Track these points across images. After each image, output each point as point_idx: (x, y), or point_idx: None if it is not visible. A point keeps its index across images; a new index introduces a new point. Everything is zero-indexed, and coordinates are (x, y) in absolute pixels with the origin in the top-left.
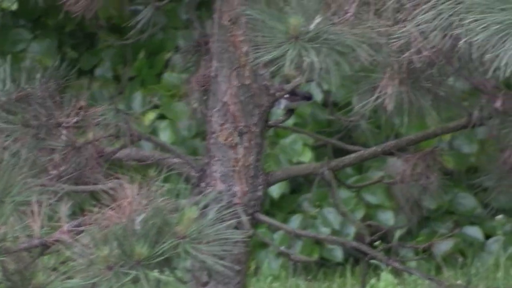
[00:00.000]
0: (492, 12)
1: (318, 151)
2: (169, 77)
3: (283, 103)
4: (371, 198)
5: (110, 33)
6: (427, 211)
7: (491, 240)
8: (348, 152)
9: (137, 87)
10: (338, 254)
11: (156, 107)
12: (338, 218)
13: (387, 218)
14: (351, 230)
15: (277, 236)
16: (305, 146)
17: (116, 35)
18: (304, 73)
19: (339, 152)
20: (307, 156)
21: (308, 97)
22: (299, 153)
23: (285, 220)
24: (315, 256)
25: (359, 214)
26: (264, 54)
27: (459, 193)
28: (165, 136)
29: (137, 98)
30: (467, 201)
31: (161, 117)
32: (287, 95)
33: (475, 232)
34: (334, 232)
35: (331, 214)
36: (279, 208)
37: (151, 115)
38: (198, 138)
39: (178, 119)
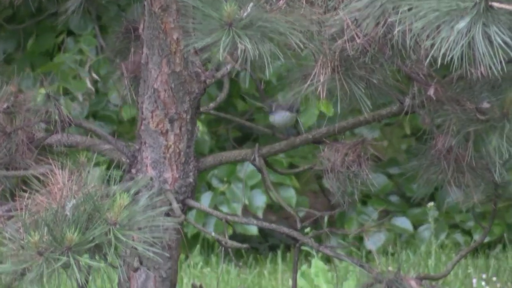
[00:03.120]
0: (427, 0)
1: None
2: (62, 58)
3: (276, 118)
4: (273, 177)
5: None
6: (359, 200)
7: (421, 228)
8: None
9: (27, 70)
10: (253, 229)
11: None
12: (248, 193)
13: (290, 195)
14: (261, 202)
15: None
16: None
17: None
18: (238, 60)
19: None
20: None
21: (291, 109)
22: None
23: (196, 199)
24: (230, 232)
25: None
26: (196, 41)
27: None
28: None
29: (28, 80)
30: (397, 189)
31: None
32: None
33: (404, 222)
34: (245, 207)
35: (239, 189)
36: None
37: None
38: (90, 119)
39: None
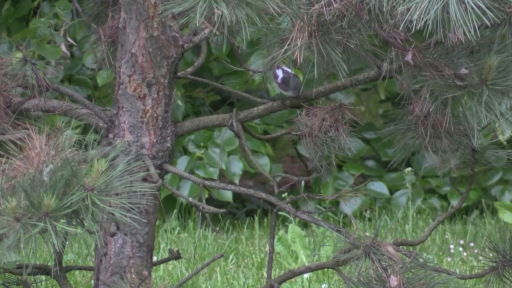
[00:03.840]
0: None
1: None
2: (37, 23)
3: (279, 77)
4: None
5: None
6: (336, 165)
7: (397, 193)
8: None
9: (3, 35)
10: (227, 194)
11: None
12: (224, 157)
13: (264, 163)
14: (238, 169)
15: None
16: None
17: None
18: (215, 25)
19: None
20: None
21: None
22: None
23: (172, 163)
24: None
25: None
26: (173, 6)
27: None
28: None
29: (4, 45)
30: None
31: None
32: (281, 71)
33: (380, 187)
34: (222, 173)
35: (216, 154)
36: None
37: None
38: (65, 83)
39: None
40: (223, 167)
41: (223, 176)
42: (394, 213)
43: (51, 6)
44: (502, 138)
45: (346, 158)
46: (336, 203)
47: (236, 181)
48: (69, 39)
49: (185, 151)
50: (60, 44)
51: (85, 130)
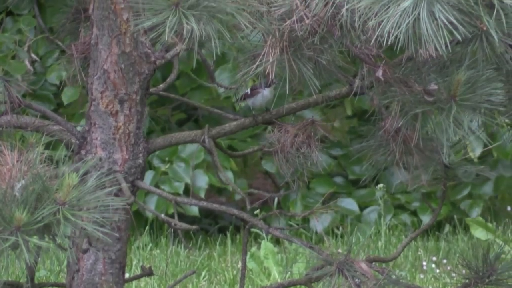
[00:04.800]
0: None
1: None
2: (1, 38)
3: (251, 102)
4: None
5: None
6: (308, 181)
7: (367, 210)
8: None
9: None
10: (194, 209)
11: None
12: (189, 172)
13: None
14: (204, 183)
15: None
16: None
17: None
18: (184, 40)
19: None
20: None
21: (267, 85)
22: None
23: None
24: (171, 211)
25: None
26: (144, 21)
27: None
28: None
29: None
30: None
31: None
32: (249, 93)
33: (350, 203)
34: (187, 186)
35: (181, 168)
36: None
37: None
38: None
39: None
40: (188, 181)
41: (189, 190)
42: (364, 230)
43: (14, 22)
44: (472, 155)
45: (314, 174)
46: (306, 220)
47: (202, 195)
48: (32, 55)
49: (150, 166)
50: (24, 59)
51: (56, 146)
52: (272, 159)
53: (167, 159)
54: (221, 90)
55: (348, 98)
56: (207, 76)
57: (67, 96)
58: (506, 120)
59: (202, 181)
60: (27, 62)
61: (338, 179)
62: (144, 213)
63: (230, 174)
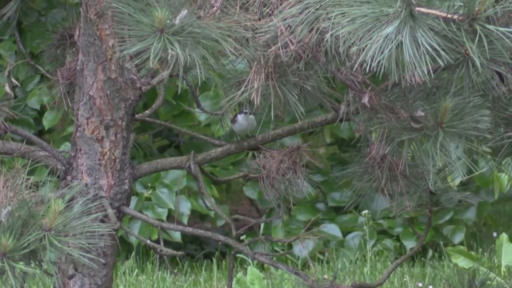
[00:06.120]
0: (357, 6)
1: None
2: None
3: (236, 128)
4: (194, 185)
5: None
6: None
7: (350, 236)
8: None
9: None
10: (177, 235)
11: None
12: (172, 197)
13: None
14: (186, 209)
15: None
16: None
17: None
18: (169, 66)
19: None
20: None
21: (244, 112)
22: None
23: None
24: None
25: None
26: (129, 47)
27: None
28: None
29: None
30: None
31: None
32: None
33: (333, 229)
34: (170, 211)
35: (164, 194)
36: None
37: None
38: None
39: None
40: (172, 207)
41: (172, 216)
42: (348, 255)
43: None
44: (452, 183)
45: (296, 201)
46: (290, 246)
47: (185, 221)
48: (13, 79)
49: (133, 192)
50: (4, 84)
51: (41, 172)
52: (254, 186)
53: (149, 185)
54: (202, 117)
55: (328, 126)
56: (188, 102)
57: (48, 121)
58: (487, 150)
59: (185, 207)
60: (7, 87)
61: (320, 205)
62: (128, 238)
63: (212, 201)
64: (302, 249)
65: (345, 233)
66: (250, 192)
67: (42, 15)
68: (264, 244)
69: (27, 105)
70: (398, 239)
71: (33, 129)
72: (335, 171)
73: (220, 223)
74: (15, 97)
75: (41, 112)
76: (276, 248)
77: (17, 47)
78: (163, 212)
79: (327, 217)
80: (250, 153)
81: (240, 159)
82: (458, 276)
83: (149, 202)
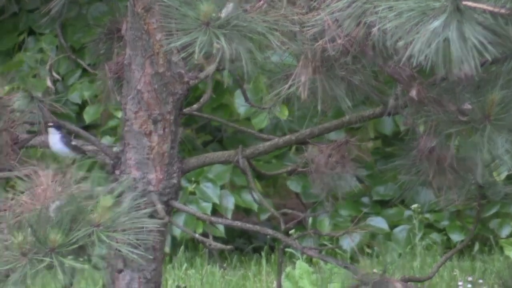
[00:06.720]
0: (404, 0)
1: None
2: (23, 57)
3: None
4: (237, 180)
5: None
6: (342, 200)
7: (398, 229)
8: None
9: None
10: (220, 228)
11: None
12: (217, 192)
13: (251, 199)
14: (230, 204)
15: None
16: None
17: None
18: (215, 60)
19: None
20: None
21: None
22: None
23: None
24: (200, 231)
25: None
26: (175, 40)
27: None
28: None
29: None
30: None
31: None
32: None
33: (380, 222)
34: (215, 206)
35: (209, 189)
36: None
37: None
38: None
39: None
40: (216, 201)
41: (216, 211)
42: (395, 249)
43: (36, 41)
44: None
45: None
46: (336, 240)
47: (229, 215)
48: (54, 73)
49: None
50: (46, 78)
51: (90, 167)
52: (298, 180)
53: (193, 179)
54: (241, 110)
55: (371, 122)
56: (228, 96)
57: (89, 115)
58: None
59: (229, 201)
60: (48, 81)
61: (365, 200)
62: (171, 232)
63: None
64: (351, 242)
65: (391, 226)
66: (294, 186)
67: (84, 9)
68: (312, 238)
69: (68, 99)
70: (444, 232)
71: (74, 123)
72: (379, 165)
73: (263, 217)
74: (56, 91)
75: (82, 106)
76: (324, 242)
77: (59, 41)
78: (207, 207)
79: (372, 211)
80: (294, 147)
81: (283, 153)
82: (509, 269)
83: (193, 196)
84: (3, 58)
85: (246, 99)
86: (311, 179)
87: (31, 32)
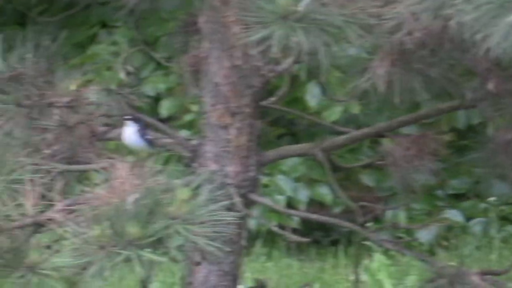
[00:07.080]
0: None
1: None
2: (96, 50)
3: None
4: (311, 173)
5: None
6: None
7: (473, 222)
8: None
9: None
10: (295, 222)
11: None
12: (290, 184)
13: (326, 192)
14: (304, 197)
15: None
16: None
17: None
18: (292, 53)
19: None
20: None
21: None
22: None
23: None
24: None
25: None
26: (253, 34)
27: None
28: None
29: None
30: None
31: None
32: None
33: (455, 215)
34: (289, 199)
35: (282, 181)
36: None
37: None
38: None
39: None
40: (290, 194)
41: (289, 204)
42: (472, 242)
43: (109, 34)
44: None
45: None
46: (411, 232)
47: (303, 209)
48: (128, 66)
49: None
50: (120, 71)
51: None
52: (372, 173)
53: (267, 171)
54: (312, 103)
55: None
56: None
57: (165, 108)
58: None
59: (303, 194)
60: (123, 74)
61: (440, 193)
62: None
63: (326, 189)
64: (427, 235)
65: (466, 219)
66: (368, 179)
67: (156, 2)
68: (388, 231)
69: (142, 92)
70: None
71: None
72: (453, 158)
73: (337, 210)
74: (130, 84)
75: (156, 99)
76: (400, 235)
77: (134, 34)
78: (281, 199)
79: (447, 204)
80: (368, 141)
81: (356, 147)
82: None
83: (266, 188)
84: (75, 51)
85: (324, 93)
86: (389, 172)
87: (103, 26)
